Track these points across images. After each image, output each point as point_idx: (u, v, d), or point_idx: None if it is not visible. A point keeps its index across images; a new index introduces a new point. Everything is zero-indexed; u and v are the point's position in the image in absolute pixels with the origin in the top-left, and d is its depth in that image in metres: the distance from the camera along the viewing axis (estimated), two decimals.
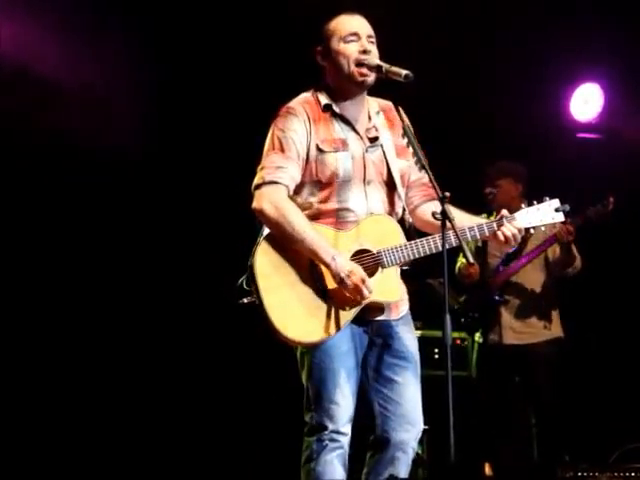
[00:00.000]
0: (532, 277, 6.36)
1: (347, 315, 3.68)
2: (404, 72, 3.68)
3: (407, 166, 3.90)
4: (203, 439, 6.92)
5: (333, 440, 3.67)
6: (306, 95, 3.88)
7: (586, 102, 7.41)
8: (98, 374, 6.79)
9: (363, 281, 3.61)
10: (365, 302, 3.66)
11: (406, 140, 3.77)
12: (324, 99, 3.84)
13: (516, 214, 3.84)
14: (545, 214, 3.86)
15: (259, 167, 3.78)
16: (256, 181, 3.75)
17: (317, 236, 3.66)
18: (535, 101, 7.19)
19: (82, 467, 6.57)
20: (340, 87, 3.84)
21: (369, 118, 3.89)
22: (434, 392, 6.30)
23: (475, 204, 6.32)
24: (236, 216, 4.13)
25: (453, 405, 3.37)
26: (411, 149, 3.73)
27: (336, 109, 3.83)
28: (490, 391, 6.38)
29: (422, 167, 3.57)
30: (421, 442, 6.60)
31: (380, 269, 3.71)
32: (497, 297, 6.32)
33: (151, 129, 6.71)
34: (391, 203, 3.86)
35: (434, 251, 3.72)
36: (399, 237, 3.76)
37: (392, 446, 3.78)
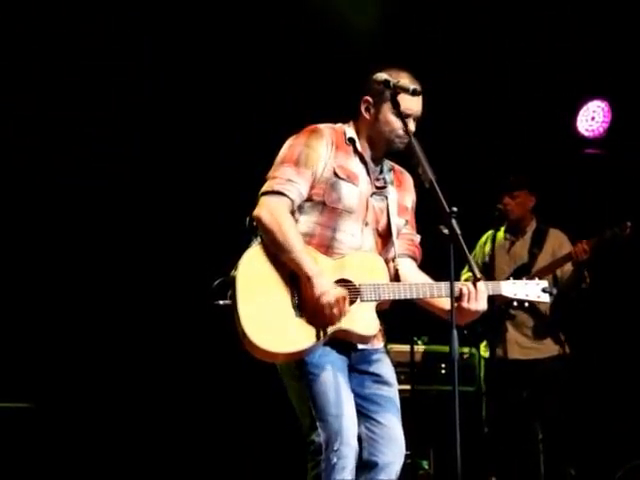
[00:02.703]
0: None
1: (319, 334, 3.69)
2: (412, 87, 3.73)
3: (403, 224, 4.01)
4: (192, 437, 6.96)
5: (341, 457, 3.64)
6: (333, 125, 3.95)
7: (593, 118, 7.42)
8: (85, 375, 6.87)
9: (337, 302, 3.64)
10: (336, 327, 3.67)
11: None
12: (350, 132, 3.92)
13: (502, 283, 3.94)
14: (531, 291, 3.97)
15: (270, 175, 3.82)
16: (264, 188, 3.80)
17: (305, 252, 3.70)
18: (541, 117, 7.21)
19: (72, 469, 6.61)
20: (369, 139, 3.93)
21: (381, 171, 3.97)
22: (441, 407, 6.40)
23: (478, 219, 6.38)
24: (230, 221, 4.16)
25: (460, 420, 3.37)
26: (419, 165, 3.73)
27: (358, 146, 3.91)
28: (497, 406, 6.38)
29: (430, 183, 3.58)
30: (428, 457, 6.61)
31: (358, 301, 3.74)
32: (503, 307, 6.27)
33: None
34: (381, 252, 3.92)
35: (414, 297, 3.79)
36: (384, 276, 3.82)
37: (379, 470, 3.78)
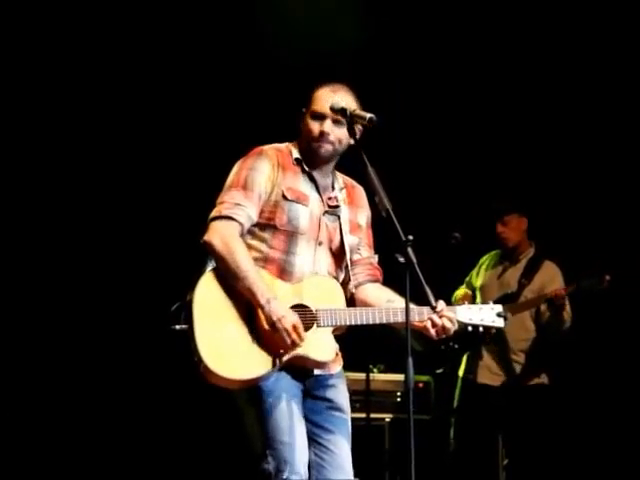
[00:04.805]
0: (521, 325, 6.28)
1: (277, 360, 3.68)
2: (368, 115, 3.73)
3: (357, 243, 3.99)
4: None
5: None
6: (279, 145, 3.96)
7: None
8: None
9: (295, 328, 3.63)
10: (293, 353, 3.67)
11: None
12: (296, 153, 3.92)
13: (457, 308, 3.94)
14: (486, 315, 3.99)
15: (218, 200, 3.82)
16: (213, 214, 3.79)
17: (258, 278, 3.69)
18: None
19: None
20: (306, 151, 3.92)
21: (332, 188, 3.97)
22: (396, 435, 6.38)
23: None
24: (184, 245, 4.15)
25: (415, 449, 3.37)
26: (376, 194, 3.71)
27: (305, 167, 3.91)
28: (464, 428, 6.36)
29: (386, 212, 3.58)
30: None
31: (315, 326, 3.74)
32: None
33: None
34: (336, 271, 3.93)
35: (371, 322, 3.80)
36: (340, 301, 3.83)
37: None
